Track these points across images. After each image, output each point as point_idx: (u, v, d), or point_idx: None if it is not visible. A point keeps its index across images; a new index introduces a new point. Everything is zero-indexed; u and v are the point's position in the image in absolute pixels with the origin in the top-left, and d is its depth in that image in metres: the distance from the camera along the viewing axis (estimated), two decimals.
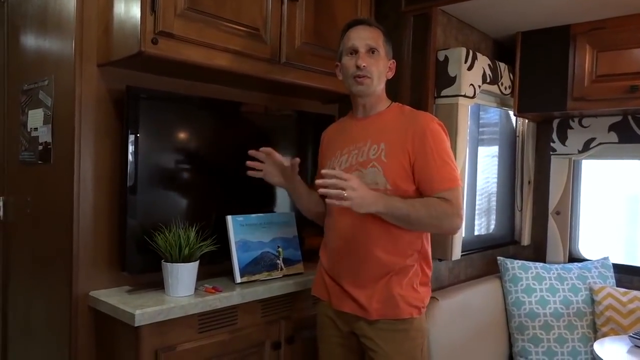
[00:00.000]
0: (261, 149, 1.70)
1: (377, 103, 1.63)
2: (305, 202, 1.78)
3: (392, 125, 1.58)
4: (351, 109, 1.71)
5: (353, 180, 1.39)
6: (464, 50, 2.14)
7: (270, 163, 1.71)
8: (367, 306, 1.54)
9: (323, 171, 1.44)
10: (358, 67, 1.55)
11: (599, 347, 1.98)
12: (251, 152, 1.70)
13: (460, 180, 1.54)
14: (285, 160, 1.69)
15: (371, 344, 1.56)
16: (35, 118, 1.78)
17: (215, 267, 1.79)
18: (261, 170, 1.72)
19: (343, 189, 1.35)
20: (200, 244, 1.61)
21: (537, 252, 2.79)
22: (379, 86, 1.61)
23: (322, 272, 1.68)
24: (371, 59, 1.56)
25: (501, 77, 2.42)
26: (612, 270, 2.44)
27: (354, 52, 1.57)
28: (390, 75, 1.65)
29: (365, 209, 1.40)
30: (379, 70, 1.58)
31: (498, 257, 2.51)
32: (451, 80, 2.14)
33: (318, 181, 1.41)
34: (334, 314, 1.64)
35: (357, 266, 1.57)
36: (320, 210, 1.76)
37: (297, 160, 1.68)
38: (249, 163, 1.70)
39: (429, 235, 1.63)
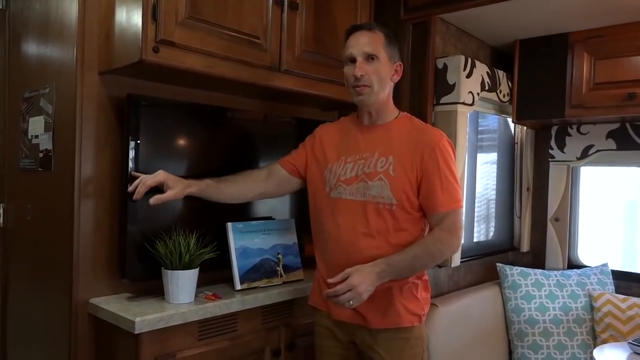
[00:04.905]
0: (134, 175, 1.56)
1: (383, 111, 1.60)
2: (233, 191, 1.66)
3: (401, 138, 1.56)
4: (353, 113, 1.69)
5: (353, 279, 1.40)
6: (462, 58, 2.16)
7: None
8: (367, 315, 1.53)
9: (329, 280, 1.45)
10: (356, 77, 1.52)
11: (599, 353, 1.98)
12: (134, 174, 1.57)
13: (462, 200, 1.56)
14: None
15: (372, 353, 1.56)
16: (36, 125, 1.79)
17: (215, 274, 1.79)
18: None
19: (349, 297, 1.40)
20: (201, 251, 1.61)
21: (536, 259, 2.79)
22: (382, 92, 1.56)
23: (321, 281, 1.63)
24: (369, 66, 1.52)
25: (500, 85, 2.43)
26: (611, 276, 2.45)
27: (353, 60, 1.54)
28: (397, 78, 1.60)
29: (370, 292, 1.43)
30: (379, 76, 1.53)
31: (497, 264, 2.51)
32: (450, 88, 2.16)
33: (328, 291, 1.43)
34: (332, 324, 1.62)
35: None
36: (259, 191, 1.70)
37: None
38: (131, 190, 1.53)
39: None
